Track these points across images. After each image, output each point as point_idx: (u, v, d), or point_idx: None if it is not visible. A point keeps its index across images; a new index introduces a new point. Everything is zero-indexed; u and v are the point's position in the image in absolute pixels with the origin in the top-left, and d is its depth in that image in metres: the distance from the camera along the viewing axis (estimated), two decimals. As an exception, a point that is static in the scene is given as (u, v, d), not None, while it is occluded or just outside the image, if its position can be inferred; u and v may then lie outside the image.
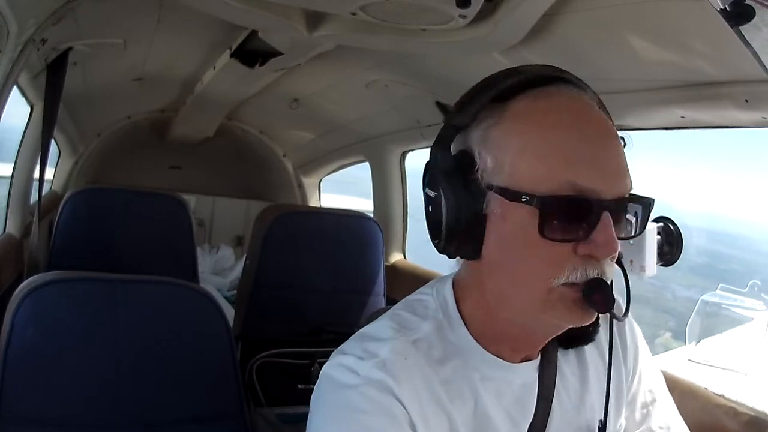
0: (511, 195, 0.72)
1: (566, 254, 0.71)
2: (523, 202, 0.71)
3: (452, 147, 0.77)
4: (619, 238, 0.72)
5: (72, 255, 2.14)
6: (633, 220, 0.76)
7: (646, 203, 0.76)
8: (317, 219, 2.41)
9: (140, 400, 1.33)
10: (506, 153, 0.73)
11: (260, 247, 2.21)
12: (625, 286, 0.81)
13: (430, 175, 0.77)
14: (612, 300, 0.72)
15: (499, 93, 0.76)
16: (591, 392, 0.85)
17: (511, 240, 0.74)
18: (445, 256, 0.80)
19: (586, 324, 0.76)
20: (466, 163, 0.76)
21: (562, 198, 0.70)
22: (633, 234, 0.77)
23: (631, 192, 0.74)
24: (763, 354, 1.56)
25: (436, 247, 0.79)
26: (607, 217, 0.71)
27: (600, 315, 0.82)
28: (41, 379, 1.26)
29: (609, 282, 0.73)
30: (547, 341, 0.82)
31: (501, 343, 0.80)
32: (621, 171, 0.73)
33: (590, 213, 0.71)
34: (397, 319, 0.81)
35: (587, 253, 0.71)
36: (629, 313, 0.93)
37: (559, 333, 0.82)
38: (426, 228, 0.81)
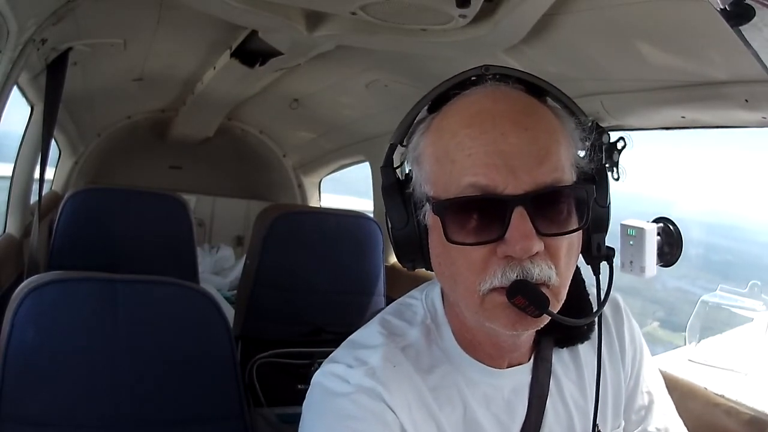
0: (431, 204, 0.72)
1: (485, 257, 0.69)
2: (432, 210, 0.72)
3: (394, 163, 0.78)
4: (551, 234, 0.68)
5: (72, 255, 2.13)
6: (566, 210, 0.70)
7: (577, 191, 0.71)
8: (317, 219, 2.40)
9: (140, 400, 1.33)
10: (428, 163, 0.74)
11: (260, 247, 2.20)
12: (608, 282, 0.77)
13: (382, 194, 0.78)
14: (540, 301, 0.67)
15: (431, 104, 0.76)
16: (588, 395, 0.85)
17: (439, 248, 0.74)
18: None
19: (527, 330, 0.73)
20: (403, 178, 0.77)
21: (460, 200, 0.69)
22: (577, 226, 0.71)
23: (560, 181, 0.69)
24: (763, 354, 1.56)
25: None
26: (519, 213, 0.66)
27: (600, 316, 0.82)
28: (41, 379, 1.26)
29: (534, 281, 0.68)
30: (522, 348, 0.81)
31: (478, 350, 0.80)
32: (531, 162, 0.67)
33: (496, 211, 0.67)
34: (386, 324, 0.82)
35: (505, 254, 0.68)
36: (630, 315, 0.93)
37: (527, 340, 0.80)
38: None
